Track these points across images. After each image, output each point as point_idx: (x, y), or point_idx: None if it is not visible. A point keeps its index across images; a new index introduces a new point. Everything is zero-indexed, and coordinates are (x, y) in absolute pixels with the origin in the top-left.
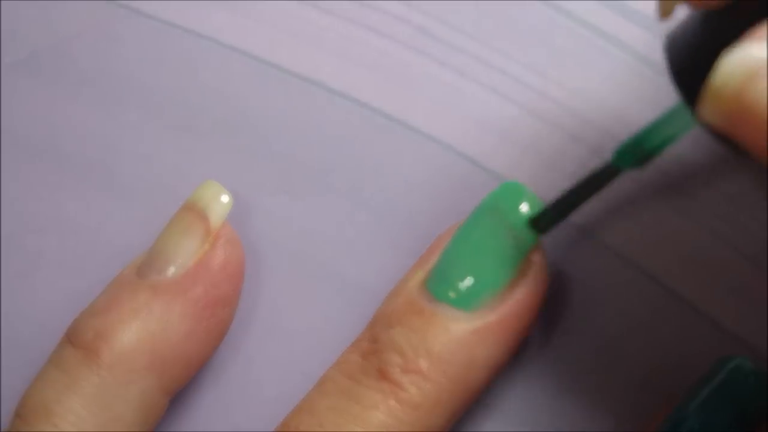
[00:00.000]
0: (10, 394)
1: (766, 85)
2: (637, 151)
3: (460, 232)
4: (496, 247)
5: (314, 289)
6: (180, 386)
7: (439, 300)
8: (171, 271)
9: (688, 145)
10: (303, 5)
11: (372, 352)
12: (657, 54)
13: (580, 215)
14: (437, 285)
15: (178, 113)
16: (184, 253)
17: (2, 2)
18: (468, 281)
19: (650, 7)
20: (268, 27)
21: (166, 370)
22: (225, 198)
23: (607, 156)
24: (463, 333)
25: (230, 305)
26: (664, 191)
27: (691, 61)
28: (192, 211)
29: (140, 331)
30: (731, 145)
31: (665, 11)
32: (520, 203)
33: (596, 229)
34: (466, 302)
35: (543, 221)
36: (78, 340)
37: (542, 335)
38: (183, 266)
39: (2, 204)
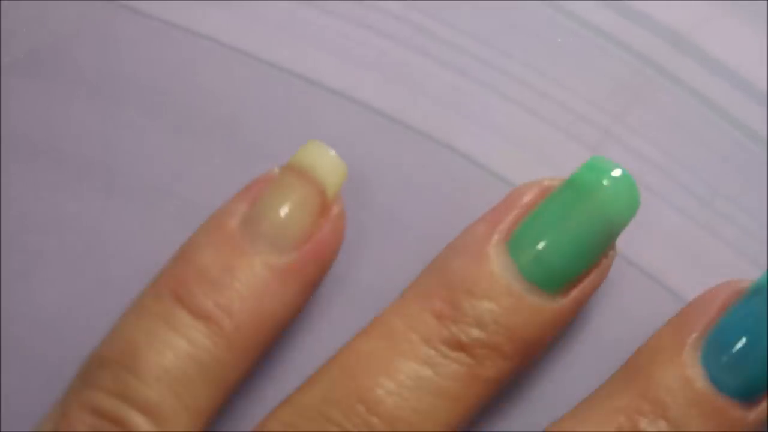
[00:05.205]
0: (10, 394)
1: None
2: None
3: (557, 215)
4: (593, 240)
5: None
6: None
7: (530, 282)
8: (287, 247)
9: (688, 149)
10: (303, 5)
11: (451, 319)
12: (657, 53)
13: None
14: (533, 269)
15: (178, 113)
16: (302, 230)
17: (2, 2)
18: (564, 268)
19: (651, 7)
20: (268, 27)
21: (269, 346)
22: (343, 170)
23: None
24: (548, 317)
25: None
26: (664, 190)
27: None
28: (310, 183)
29: (260, 313)
30: None
31: None
32: (630, 204)
33: None
34: (557, 287)
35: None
36: (195, 307)
37: None
38: (299, 244)
39: (2, 204)
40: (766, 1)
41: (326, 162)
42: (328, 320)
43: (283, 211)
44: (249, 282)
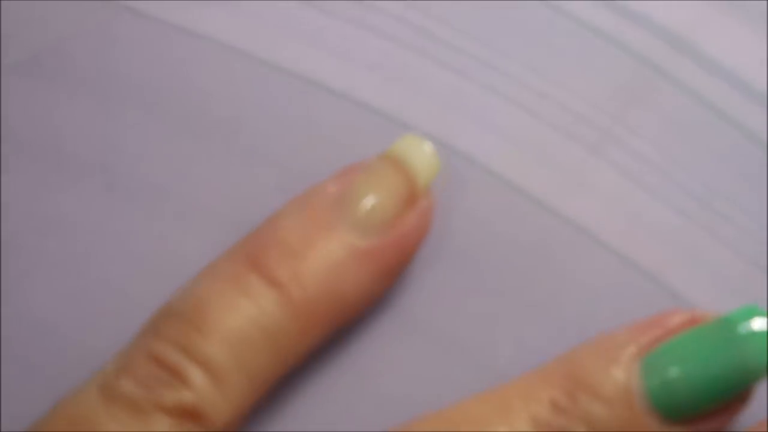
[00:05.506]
0: (10, 394)
1: None
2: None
3: (700, 350)
4: (727, 384)
5: None
6: None
7: (651, 404)
8: (370, 232)
9: (687, 149)
10: (303, 5)
11: (564, 411)
12: (656, 54)
13: (579, 215)
14: (659, 393)
15: (178, 113)
16: (387, 217)
17: (2, 2)
18: (690, 402)
19: (650, 8)
20: (268, 27)
21: (333, 328)
22: (436, 165)
23: None
24: None
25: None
26: (664, 191)
27: None
28: (402, 174)
29: (332, 290)
30: None
31: None
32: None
33: (594, 228)
34: (675, 418)
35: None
36: (269, 274)
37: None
38: (383, 230)
39: (2, 204)
40: (765, 2)
41: (421, 155)
42: None
43: (372, 196)
44: (326, 258)
